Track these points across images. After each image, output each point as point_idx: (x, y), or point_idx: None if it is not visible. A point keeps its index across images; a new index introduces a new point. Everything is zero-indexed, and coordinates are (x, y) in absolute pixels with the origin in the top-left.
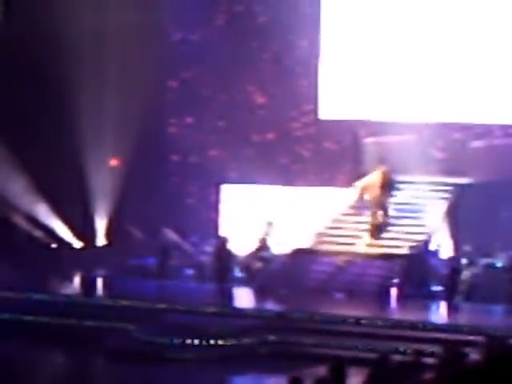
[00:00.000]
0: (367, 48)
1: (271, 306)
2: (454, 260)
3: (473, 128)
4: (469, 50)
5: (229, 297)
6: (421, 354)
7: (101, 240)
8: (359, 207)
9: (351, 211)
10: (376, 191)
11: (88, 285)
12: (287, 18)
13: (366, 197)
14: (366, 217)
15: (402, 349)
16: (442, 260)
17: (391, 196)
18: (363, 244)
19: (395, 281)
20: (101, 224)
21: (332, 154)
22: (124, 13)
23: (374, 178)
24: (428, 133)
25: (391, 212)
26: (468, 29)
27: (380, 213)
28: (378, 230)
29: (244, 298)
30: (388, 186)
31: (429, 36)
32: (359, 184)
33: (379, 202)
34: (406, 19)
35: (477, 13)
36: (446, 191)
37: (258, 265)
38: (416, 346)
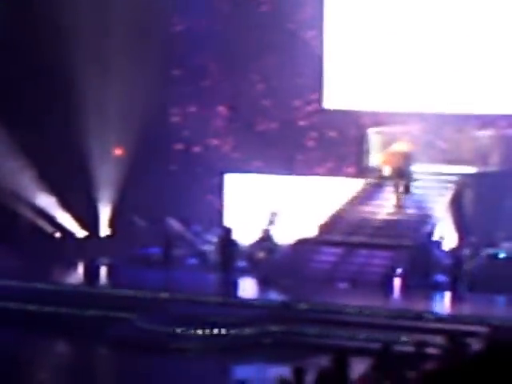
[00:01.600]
0: (371, 38)
1: (275, 296)
2: (458, 250)
3: (477, 118)
4: (473, 39)
5: (232, 287)
6: (424, 344)
7: (104, 229)
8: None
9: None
10: (398, 161)
11: (91, 274)
12: (291, 8)
13: (387, 170)
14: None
15: (405, 339)
16: (445, 250)
17: (412, 166)
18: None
19: (399, 271)
20: (104, 213)
21: (336, 143)
22: (127, 2)
23: (396, 148)
24: (432, 122)
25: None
26: (471, 18)
27: (402, 182)
28: (400, 200)
29: (247, 287)
30: (410, 156)
31: (433, 26)
32: (381, 156)
33: (401, 172)
34: (410, 8)
35: (480, 3)
36: (450, 181)
37: (262, 255)
38: (419, 336)
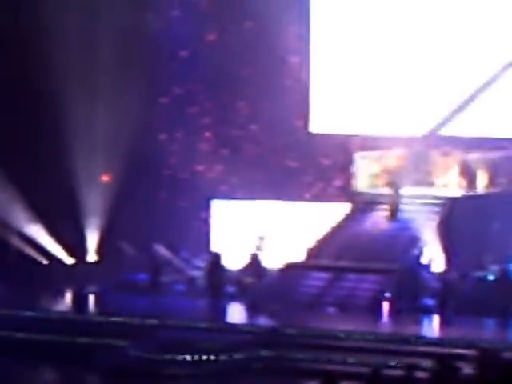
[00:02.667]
0: (357, 62)
1: (263, 321)
2: (446, 273)
3: (464, 141)
4: (454, 64)
5: (221, 312)
6: (413, 368)
7: (92, 256)
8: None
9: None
10: (393, 174)
11: (80, 301)
12: (277, 34)
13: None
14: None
15: (394, 363)
16: (433, 273)
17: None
18: None
19: (387, 295)
20: (92, 240)
21: (323, 168)
22: (115, 29)
23: (390, 162)
24: (419, 145)
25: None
26: (455, 42)
27: (395, 194)
28: (394, 211)
29: (236, 313)
30: (404, 169)
31: (418, 50)
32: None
33: (395, 184)
34: (395, 34)
35: (465, 29)
36: (437, 204)
37: (250, 280)
38: (408, 360)
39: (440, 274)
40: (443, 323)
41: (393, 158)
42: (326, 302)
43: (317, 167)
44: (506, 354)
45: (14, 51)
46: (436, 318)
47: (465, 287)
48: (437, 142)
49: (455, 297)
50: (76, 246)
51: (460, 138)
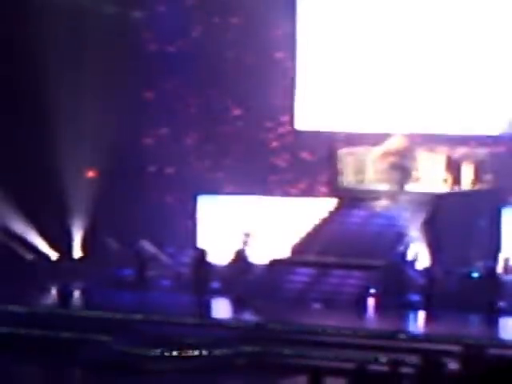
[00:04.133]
0: (343, 58)
1: (249, 316)
2: (431, 269)
3: (449, 138)
4: (444, 60)
5: (206, 308)
6: (399, 363)
7: (77, 252)
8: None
9: None
10: (395, 156)
11: (65, 296)
12: (263, 29)
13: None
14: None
15: (379, 359)
16: (419, 270)
17: (410, 159)
18: None
19: (373, 291)
20: (77, 235)
21: (309, 164)
22: (100, 24)
23: (392, 143)
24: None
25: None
26: (444, 40)
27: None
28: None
29: (221, 308)
30: (406, 150)
31: (405, 46)
32: (378, 151)
33: (398, 166)
34: (382, 30)
35: (453, 27)
36: (423, 201)
37: (236, 275)
38: (394, 355)
39: (425, 269)
40: (428, 319)
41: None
42: (311, 297)
43: (303, 163)
44: (491, 350)
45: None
46: (421, 314)
47: (450, 283)
48: (422, 138)
49: (440, 293)
50: (61, 242)
51: (446, 134)
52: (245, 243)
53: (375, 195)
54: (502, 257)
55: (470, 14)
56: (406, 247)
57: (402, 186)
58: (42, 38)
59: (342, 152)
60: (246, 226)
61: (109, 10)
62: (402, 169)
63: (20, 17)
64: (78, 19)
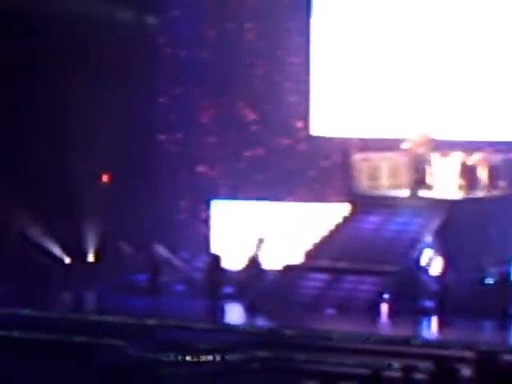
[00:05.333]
0: (358, 64)
1: (262, 322)
2: (445, 276)
3: (463, 144)
4: (458, 67)
5: (220, 313)
6: (412, 369)
7: (91, 256)
8: None
9: None
10: (418, 149)
11: (79, 301)
12: (278, 34)
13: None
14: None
15: (393, 365)
16: (432, 276)
17: (431, 153)
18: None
19: (386, 296)
20: (91, 240)
21: (323, 170)
22: (115, 28)
23: (415, 136)
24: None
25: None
26: (455, 47)
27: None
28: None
29: (235, 314)
30: (428, 143)
31: (419, 53)
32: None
33: (420, 160)
34: (396, 36)
35: (463, 34)
36: (437, 206)
37: (249, 281)
38: (407, 361)
39: (439, 275)
40: (442, 325)
41: (393, 160)
42: (324, 303)
43: (317, 169)
44: (505, 357)
45: (22, 52)
46: (434, 320)
47: (463, 289)
48: (437, 144)
49: (453, 299)
50: (75, 246)
51: (460, 140)
52: (258, 248)
53: (389, 201)
54: None
55: (485, 20)
56: (420, 253)
57: (417, 188)
58: (57, 47)
59: (357, 158)
60: (259, 232)
61: (123, 15)
62: (418, 170)
63: (35, 28)
64: (92, 23)
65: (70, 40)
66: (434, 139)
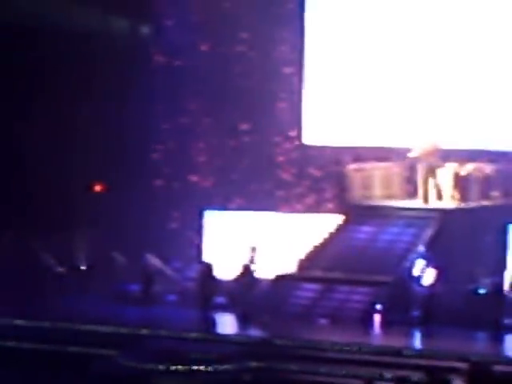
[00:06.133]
0: (351, 74)
1: (255, 332)
2: (438, 286)
3: (457, 153)
4: (452, 77)
5: (212, 323)
6: (404, 380)
7: (84, 266)
8: None
9: None
10: (427, 158)
11: (71, 311)
12: (271, 44)
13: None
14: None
15: (385, 375)
16: (425, 286)
17: (440, 162)
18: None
19: (378, 307)
20: (84, 250)
21: (316, 179)
22: (110, 39)
23: (423, 146)
24: (412, 158)
25: None
26: (449, 58)
27: (431, 178)
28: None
29: (227, 324)
30: (437, 151)
31: (412, 63)
32: (412, 155)
33: (430, 168)
34: (389, 45)
35: (458, 43)
36: (430, 216)
37: (242, 291)
38: (399, 372)
39: (431, 286)
40: (434, 336)
41: (385, 170)
42: (317, 313)
43: (310, 179)
44: (497, 368)
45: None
46: (427, 331)
47: (456, 300)
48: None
49: (446, 309)
50: (69, 256)
51: (454, 150)
52: (251, 258)
53: (382, 211)
54: (508, 273)
55: (478, 27)
56: (413, 263)
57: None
58: (52, 58)
59: (350, 168)
60: (252, 241)
61: (117, 26)
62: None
63: (29, 40)
64: (86, 38)
65: (64, 51)
66: (441, 149)
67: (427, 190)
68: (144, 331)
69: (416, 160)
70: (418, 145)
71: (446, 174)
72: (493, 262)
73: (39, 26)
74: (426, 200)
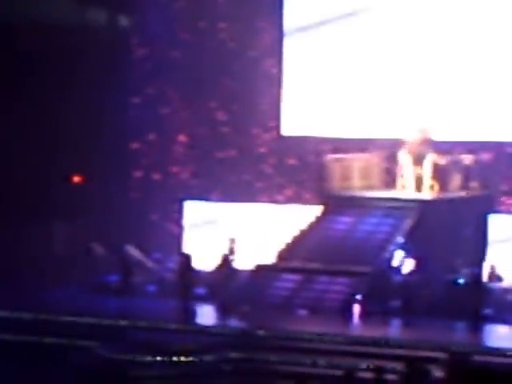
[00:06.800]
0: (330, 65)
1: (234, 322)
2: (417, 276)
3: (435, 145)
4: (430, 66)
5: (192, 314)
6: (384, 370)
7: (64, 257)
8: None
9: None
10: (416, 148)
11: (50, 302)
12: (250, 35)
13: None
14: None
15: (364, 365)
16: (404, 276)
17: (431, 151)
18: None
19: (358, 297)
20: (63, 241)
21: (295, 170)
22: (88, 30)
23: (413, 136)
24: (391, 149)
25: None
26: (431, 45)
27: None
28: (420, 184)
29: (207, 314)
30: (427, 142)
31: (390, 53)
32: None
33: (419, 158)
34: (366, 36)
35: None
36: (408, 207)
37: (221, 282)
38: (379, 362)
39: (411, 276)
40: (413, 326)
41: (364, 161)
42: (297, 303)
43: (289, 169)
44: (477, 358)
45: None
46: (406, 321)
47: (435, 290)
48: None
49: (425, 300)
50: (47, 247)
51: (433, 141)
52: (231, 249)
53: (361, 202)
54: (487, 264)
55: (462, 22)
56: (392, 254)
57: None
58: (30, 49)
59: (329, 158)
60: (231, 232)
61: (95, 17)
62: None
63: (7, 33)
64: (64, 29)
65: (42, 43)
66: (432, 138)
67: (419, 179)
68: (124, 322)
69: (405, 148)
70: (408, 133)
71: (425, 165)
72: (472, 253)
73: (16, 17)
74: (418, 189)
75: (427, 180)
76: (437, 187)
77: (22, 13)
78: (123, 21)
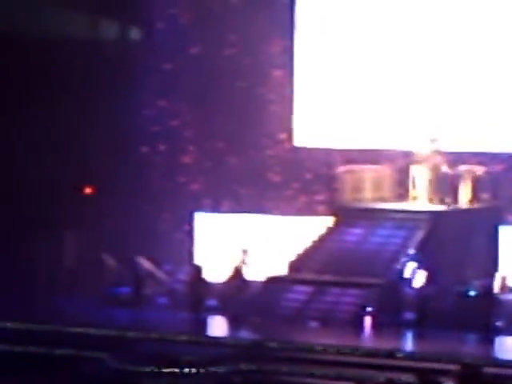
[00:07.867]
0: (341, 76)
1: (245, 334)
2: (428, 288)
3: (448, 155)
4: (441, 78)
5: (203, 325)
6: (395, 382)
7: (75, 268)
8: None
9: None
10: (428, 159)
11: (61, 313)
12: (261, 47)
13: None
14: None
15: (376, 377)
16: (416, 288)
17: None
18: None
19: (369, 309)
20: (75, 252)
21: (307, 182)
22: (99, 42)
23: (425, 147)
24: (403, 161)
25: None
26: (442, 58)
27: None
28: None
29: (218, 326)
30: (439, 153)
31: (404, 65)
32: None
33: (431, 169)
34: (378, 49)
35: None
36: (420, 219)
37: (233, 293)
38: (391, 374)
39: (422, 288)
40: (425, 338)
41: (376, 172)
42: (308, 315)
43: (301, 181)
44: (488, 370)
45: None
46: (418, 333)
47: (446, 302)
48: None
49: (436, 311)
50: (58, 259)
51: (444, 152)
52: (242, 261)
53: (373, 214)
54: (499, 275)
55: (468, 30)
56: (403, 266)
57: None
58: (41, 60)
59: (340, 170)
60: (243, 244)
61: (107, 29)
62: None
63: (21, 47)
64: (77, 41)
65: (54, 56)
66: (444, 149)
67: (433, 192)
68: (134, 334)
69: (417, 159)
70: (420, 144)
71: (434, 176)
72: (483, 264)
73: (29, 31)
74: (430, 201)
75: (431, 192)
76: (448, 199)
77: (34, 27)
78: (133, 33)
